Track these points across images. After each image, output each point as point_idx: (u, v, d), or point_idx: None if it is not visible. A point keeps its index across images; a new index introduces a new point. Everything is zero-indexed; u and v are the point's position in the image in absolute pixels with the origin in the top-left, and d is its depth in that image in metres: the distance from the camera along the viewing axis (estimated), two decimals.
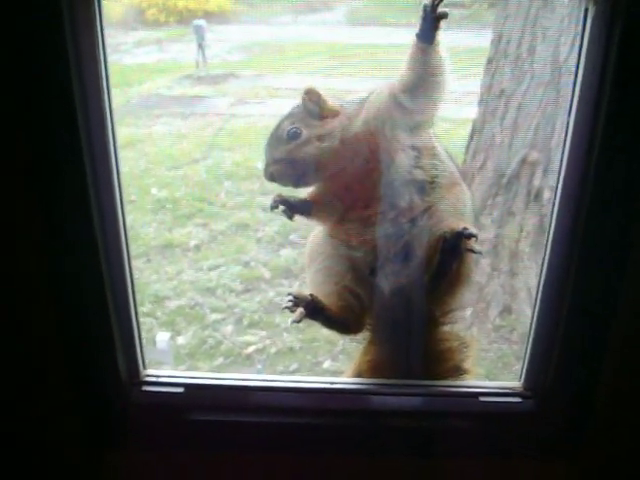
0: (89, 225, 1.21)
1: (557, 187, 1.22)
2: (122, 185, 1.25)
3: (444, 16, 1.23)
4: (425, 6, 1.22)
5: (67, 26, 1.08)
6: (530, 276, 2.95)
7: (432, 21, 1.23)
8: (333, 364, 2.74)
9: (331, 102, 1.42)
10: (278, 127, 1.44)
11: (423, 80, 1.29)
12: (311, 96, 1.41)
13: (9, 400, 1.36)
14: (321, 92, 1.41)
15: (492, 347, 2.90)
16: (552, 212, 1.25)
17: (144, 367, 1.40)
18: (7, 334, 1.29)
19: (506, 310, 3.01)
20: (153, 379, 1.40)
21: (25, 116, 1.13)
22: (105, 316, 1.29)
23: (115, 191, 1.23)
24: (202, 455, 1.40)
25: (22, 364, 1.33)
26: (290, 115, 1.44)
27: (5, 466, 1.43)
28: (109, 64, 1.17)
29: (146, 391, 1.38)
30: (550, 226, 1.26)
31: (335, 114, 1.41)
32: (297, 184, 1.43)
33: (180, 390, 1.38)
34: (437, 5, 1.22)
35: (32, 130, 1.14)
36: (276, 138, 1.43)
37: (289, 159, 1.40)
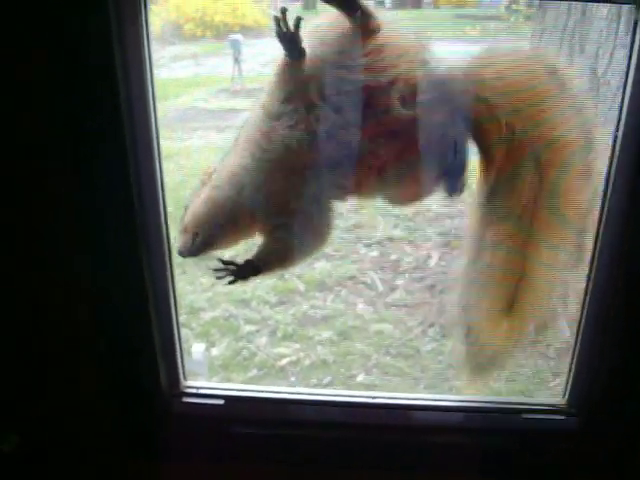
0: (133, 236, 1.23)
1: (604, 201, 1.21)
2: (165, 197, 1.26)
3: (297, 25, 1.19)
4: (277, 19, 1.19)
5: (115, 41, 1.12)
6: (567, 290, 2.91)
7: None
8: (367, 377, 2.72)
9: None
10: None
11: None
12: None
13: (52, 412, 1.37)
14: None
15: (528, 362, 2.86)
16: (599, 224, 1.23)
17: (184, 378, 1.40)
18: (53, 346, 1.31)
19: (542, 325, 2.96)
20: (193, 390, 1.41)
21: (74, 128, 1.15)
22: (147, 328, 1.31)
23: (159, 203, 1.25)
24: (241, 468, 1.40)
25: (66, 377, 1.34)
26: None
27: (47, 477, 1.44)
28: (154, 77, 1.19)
29: (186, 402, 1.40)
30: (597, 238, 1.24)
31: None
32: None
33: (220, 402, 1.38)
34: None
35: (80, 142, 1.16)
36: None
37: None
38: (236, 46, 3.37)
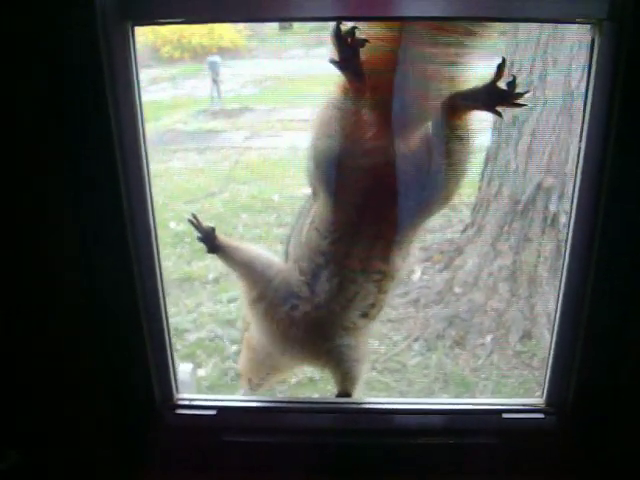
0: (127, 255, 1.25)
1: (571, 211, 1.25)
2: (155, 217, 1.28)
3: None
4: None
5: (105, 66, 1.13)
6: (549, 301, 2.94)
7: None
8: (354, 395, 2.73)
9: None
10: None
11: None
12: None
13: (45, 422, 1.38)
14: None
15: (513, 373, 2.88)
16: (567, 233, 1.28)
17: (177, 391, 1.43)
18: (47, 358, 1.32)
19: (526, 336, 3.00)
20: (186, 402, 1.43)
21: (66, 150, 1.17)
22: (141, 344, 1.32)
23: (149, 221, 1.27)
24: (234, 476, 1.41)
25: (60, 388, 1.35)
26: None
27: None
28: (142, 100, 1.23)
29: (179, 414, 1.42)
30: (566, 246, 1.28)
31: None
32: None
33: (212, 413, 1.40)
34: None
35: (74, 162, 1.18)
36: None
37: None
38: (214, 67, 3.40)
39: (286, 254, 1.54)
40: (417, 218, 1.40)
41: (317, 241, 1.39)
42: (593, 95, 1.16)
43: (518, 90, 1.20)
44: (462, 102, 1.23)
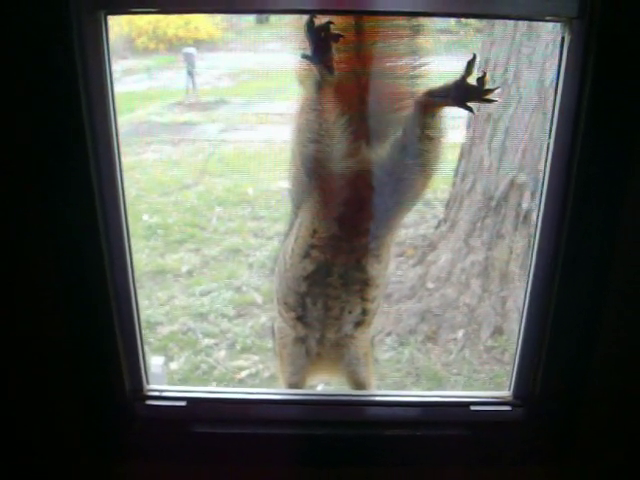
0: (97, 245, 1.24)
1: (540, 206, 1.27)
2: (127, 207, 1.28)
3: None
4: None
5: (77, 56, 1.12)
6: (520, 297, 2.97)
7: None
8: (326, 388, 2.74)
9: None
10: None
11: None
12: None
13: (14, 413, 1.37)
14: None
15: (484, 368, 2.91)
16: (535, 228, 1.30)
17: (147, 382, 1.42)
18: (17, 348, 1.31)
19: (497, 331, 3.03)
20: (156, 394, 1.42)
21: (36, 138, 1.16)
22: (111, 334, 1.32)
23: (121, 213, 1.27)
24: (204, 467, 1.42)
25: (29, 378, 1.35)
26: None
27: (10, 478, 1.44)
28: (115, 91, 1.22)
29: (150, 405, 1.41)
30: (534, 241, 1.31)
31: None
32: None
33: (182, 404, 1.40)
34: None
35: (43, 151, 1.17)
36: None
37: None
38: (190, 59, 3.37)
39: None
40: (388, 221, 1.40)
41: (298, 266, 1.40)
42: (562, 92, 1.17)
43: (488, 86, 1.20)
44: (433, 99, 1.23)
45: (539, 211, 1.28)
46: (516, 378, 1.40)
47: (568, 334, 1.31)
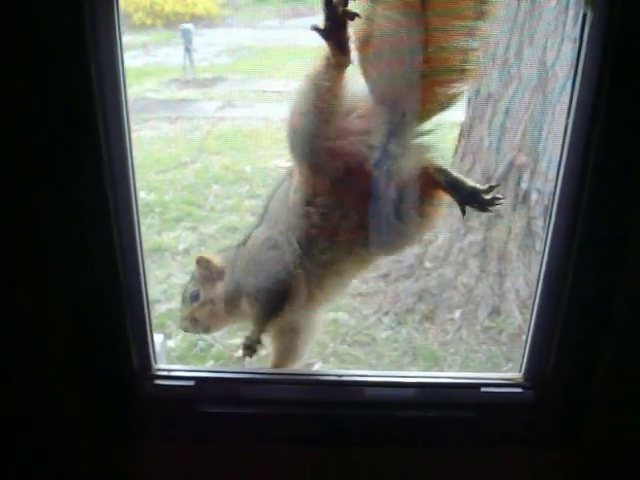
0: (107, 222, 1.23)
1: (556, 187, 1.25)
2: (136, 183, 1.27)
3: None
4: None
5: (88, 29, 1.11)
6: (518, 277, 2.98)
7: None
8: (324, 366, 2.75)
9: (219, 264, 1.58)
10: (185, 289, 1.63)
11: None
12: (201, 264, 1.58)
13: (24, 393, 1.38)
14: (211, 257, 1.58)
15: (481, 348, 2.92)
16: (551, 208, 1.28)
17: (155, 362, 1.42)
18: (25, 329, 1.31)
19: (495, 311, 3.03)
20: (165, 373, 1.42)
21: (47, 115, 1.15)
22: (120, 313, 1.31)
23: (131, 189, 1.27)
24: (211, 446, 1.43)
25: (39, 360, 1.35)
26: (192, 278, 1.63)
27: (18, 457, 1.44)
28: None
29: (158, 384, 1.41)
30: (550, 222, 1.29)
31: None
32: (207, 333, 1.79)
33: (191, 383, 1.40)
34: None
35: (55, 130, 1.16)
36: (183, 299, 1.64)
37: (193, 318, 1.60)
38: (187, 36, 3.34)
39: (262, 215, 1.55)
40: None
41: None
42: (583, 71, 1.15)
43: (495, 195, 1.26)
44: (443, 184, 1.28)
45: (555, 190, 1.26)
46: (527, 360, 1.40)
47: (582, 316, 1.30)
